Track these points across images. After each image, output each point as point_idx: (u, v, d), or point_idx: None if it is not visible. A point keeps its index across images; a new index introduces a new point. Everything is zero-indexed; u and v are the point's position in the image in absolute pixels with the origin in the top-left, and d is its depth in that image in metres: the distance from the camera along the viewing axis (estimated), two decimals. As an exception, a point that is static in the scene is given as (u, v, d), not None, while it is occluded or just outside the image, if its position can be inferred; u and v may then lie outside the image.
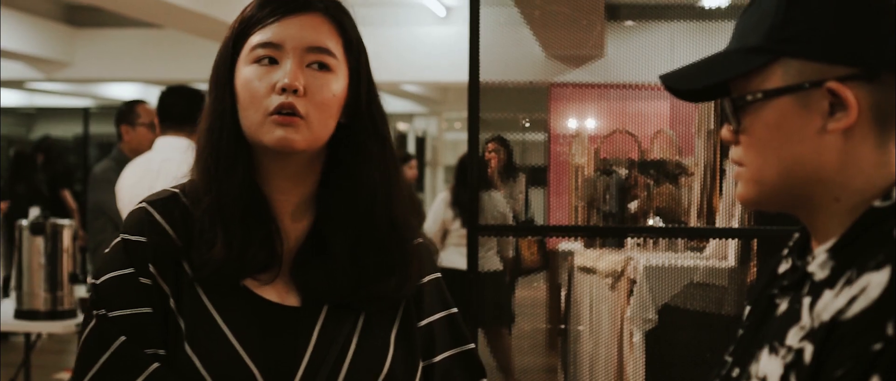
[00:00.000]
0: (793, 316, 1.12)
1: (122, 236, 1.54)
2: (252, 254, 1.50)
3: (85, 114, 14.38)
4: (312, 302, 1.53)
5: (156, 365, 1.46)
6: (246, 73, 1.53)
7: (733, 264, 4.55)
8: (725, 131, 1.19)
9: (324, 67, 1.54)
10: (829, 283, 1.10)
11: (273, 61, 1.52)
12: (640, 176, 6.04)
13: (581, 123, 7.19)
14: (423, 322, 1.62)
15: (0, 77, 11.66)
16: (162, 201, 1.56)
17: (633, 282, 4.81)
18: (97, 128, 14.72)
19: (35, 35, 11.16)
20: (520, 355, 7.47)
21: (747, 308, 1.30)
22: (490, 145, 8.15)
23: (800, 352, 1.08)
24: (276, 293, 1.53)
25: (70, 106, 17.26)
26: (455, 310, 1.67)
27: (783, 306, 1.17)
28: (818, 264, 1.14)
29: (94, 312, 1.50)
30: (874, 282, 1.04)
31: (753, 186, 1.17)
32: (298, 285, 1.54)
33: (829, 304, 1.08)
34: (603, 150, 6.57)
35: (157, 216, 1.54)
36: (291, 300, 1.53)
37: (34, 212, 5.18)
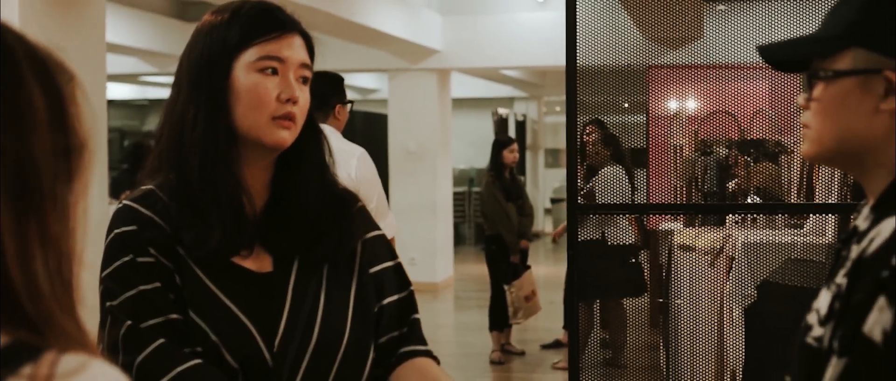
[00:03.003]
0: (844, 260, 1.40)
1: (113, 232, 1.80)
2: (241, 238, 1.79)
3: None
4: (283, 266, 1.84)
5: (196, 361, 1.73)
6: (253, 79, 1.80)
7: (832, 239, 4.61)
8: (801, 99, 1.48)
9: (305, 80, 1.86)
10: (867, 231, 1.38)
11: (274, 72, 1.81)
12: (740, 156, 6.08)
13: (680, 104, 7.25)
14: (374, 269, 1.93)
15: (113, 71, 12.05)
16: (142, 196, 1.82)
17: (732, 259, 4.88)
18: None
19: (147, 30, 11.53)
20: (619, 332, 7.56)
21: None
22: (588, 128, 8.24)
23: (840, 286, 1.36)
24: (254, 263, 1.82)
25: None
26: (399, 260, 2.00)
27: (843, 254, 1.44)
28: (863, 218, 1.42)
29: (108, 304, 1.77)
30: (886, 226, 1.33)
31: (815, 144, 1.45)
32: (270, 252, 1.84)
33: (862, 245, 1.36)
34: (702, 130, 6.63)
35: (143, 209, 1.80)
36: (267, 267, 1.83)
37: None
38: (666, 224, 7.63)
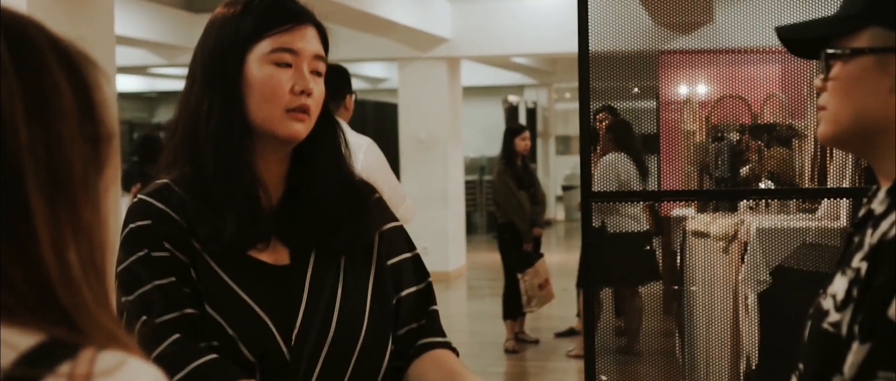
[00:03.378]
0: (859, 245, 1.38)
1: (128, 226, 1.79)
2: (256, 231, 1.78)
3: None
4: (300, 258, 1.82)
5: (212, 355, 1.72)
6: (267, 71, 1.78)
7: (845, 224, 4.59)
8: (818, 81, 1.46)
9: (319, 72, 1.84)
10: (885, 215, 1.36)
11: (287, 64, 1.79)
12: (752, 141, 6.04)
13: (691, 89, 7.22)
14: (392, 261, 1.92)
15: (122, 63, 12.06)
16: (157, 190, 1.80)
17: (746, 244, 4.87)
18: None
19: (156, 22, 11.53)
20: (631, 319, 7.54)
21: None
22: (599, 115, 8.21)
23: (858, 270, 1.34)
24: (270, 256, 1.81)
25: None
26: (417, 252, 1.98)
27: (856, 239, 1.42)
28: (878, 201, 1.40)
29: (123, 298, 1.76)
30: None
31: (831, 125, 1.43)
32: (287, 245, 1.83)
33: (881, 229, 1.34)
34: (714, 116, 6.60)
35: (157, 203, 1.78)
36: (283, 260, 1.82)
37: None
38: (678, 210, 7.61)
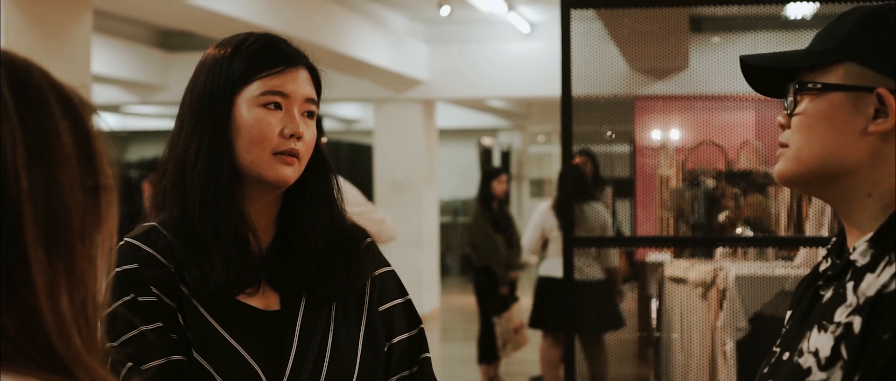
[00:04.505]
0: (838, 299, 1.30)
1: (114, 270, 1.74)
2: (245, 276, 1.75)
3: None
4: (291, 304, 1.79)
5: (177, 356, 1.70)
6: (255, 114, 1.75)
7: (824, 272, 4.59)
8: (781, 117, 1.38)
9: (310, 115, 1.81)
10: (870, 267, 1.28)
11: (277, 106, 1.76)
12: (729, 187, 6.06)
13: (666, 134, 7.24)
14: (384, 307, 1.89)
15: (95, 101, 11.98)
16: (144, 233, 1.77)
17: (724, 292, 4.86)
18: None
19: (130, 60, 11.50)
20: (609, 365, 7.51)
21: (789, 312, 1.49)
22: (577, 158, 8.23)
23: (849, 325, 1.25)
24: (260, 301, 1.78)
25: (163, 128, 17.66)
26: (409, 297, 1.95)
27: (828, 294, 1.34)
28: (859, 253, 1.31)
29: (108, 345, 1.69)
30: None
31: (792, 163, 1.35)
32: (277, 290, 1.80)
33: (873, 283, 1.26)
34: (689, 161, 6.61)
35: (144, 247, 1.75)
36: (273, 305, 1.79)
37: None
38: (653, 255, 7.61)
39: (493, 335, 8.36)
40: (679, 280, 5.54)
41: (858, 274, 1.29)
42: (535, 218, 7.70)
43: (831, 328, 1.28)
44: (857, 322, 1.24)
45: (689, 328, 5.33)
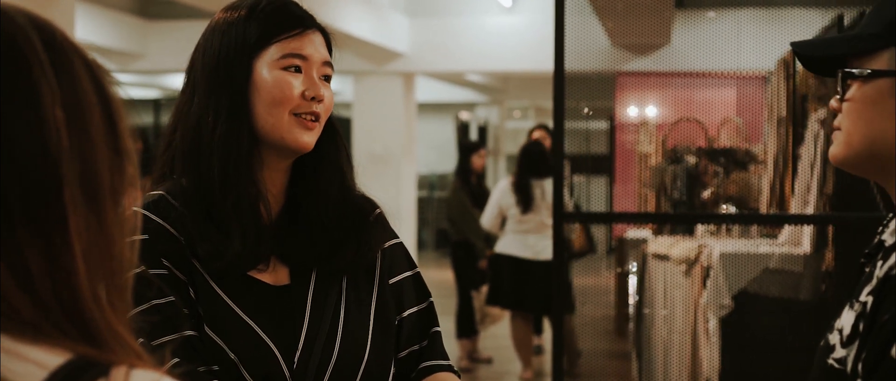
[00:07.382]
0: (868, 278, 1.33)
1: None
2: (260, 249, 1.71)
3: (155, 105, 14.67)
4: (301, 278, 1.76)
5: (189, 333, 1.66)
6: (276, 76, 1.72)
7: (808, 250, 4.60)
8: (833, 101, 1.40)
9: (327, 79, 1.79)
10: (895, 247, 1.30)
11: (297, 70, 1.73)
12: (710, 164, 6.06)
13: (647, 111, 7.24)
14: (394, 280, 1.87)
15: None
16: (154, 203, 1.71)
17: (708, 269, 4.87)
18: (167, 119, 15.00)
19: (109, 27, 11.39)
20: (586, 340, 7.52)
21: None
22: (537, 132, 8.26)
23: (865, 304, 1.29)
24: (270, 276, 1.75)
25: (140, 97, 17.56)
26: (418, 270, 1.94)
27: (867, 271, 1.37)
28: (890, 232, 1.34)
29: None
30: None
31: (843, 147, 1.38)
32: (286, 263, 1.76)
33: (889, 262, 1.29)
34: (670, 138, 6.62)
35: (155, 218, 1.70)
36: (283, 279, 1.76)
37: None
38: (633, 232, 7.62)
39: (471, 309, 8.36)
40: (662, 257, 5.54)
41: (887, 253, 1.31)
42: (494, 194, 7.68)
43: (857, 306, 1.30)
44: (870, 302, 1.27)
45: (672, 305, 5.34)
